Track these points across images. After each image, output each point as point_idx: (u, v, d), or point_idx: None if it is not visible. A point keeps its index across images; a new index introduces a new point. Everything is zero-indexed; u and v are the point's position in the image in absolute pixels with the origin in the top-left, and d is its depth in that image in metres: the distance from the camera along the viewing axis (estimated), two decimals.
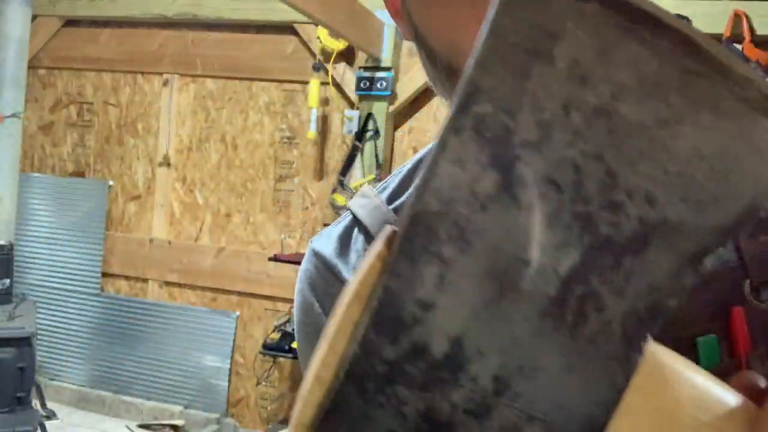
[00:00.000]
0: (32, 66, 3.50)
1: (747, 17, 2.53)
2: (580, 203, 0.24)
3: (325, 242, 0.55)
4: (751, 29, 2.54)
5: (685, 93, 0.23)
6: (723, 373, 0.44)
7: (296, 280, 0.57)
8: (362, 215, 0.54)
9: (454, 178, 0.23)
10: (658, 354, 0.25)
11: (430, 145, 0.57)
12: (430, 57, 0.45)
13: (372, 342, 0.24)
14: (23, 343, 2.66)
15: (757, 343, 0.45)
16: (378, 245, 0.25)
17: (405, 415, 0.24)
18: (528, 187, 0.23)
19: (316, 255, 0.55)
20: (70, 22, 3.74)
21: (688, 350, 0.45)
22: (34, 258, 3.64)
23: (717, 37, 2.53)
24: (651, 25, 0.23)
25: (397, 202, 0.53)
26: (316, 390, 0.24)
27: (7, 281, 2.87)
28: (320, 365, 0.25)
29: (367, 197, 0.55)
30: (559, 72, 0.23)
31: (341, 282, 0.53)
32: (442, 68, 0.44)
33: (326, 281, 0.54)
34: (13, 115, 2.87)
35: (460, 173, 0.23)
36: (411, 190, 0.54)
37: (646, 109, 0.23)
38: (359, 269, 0.25)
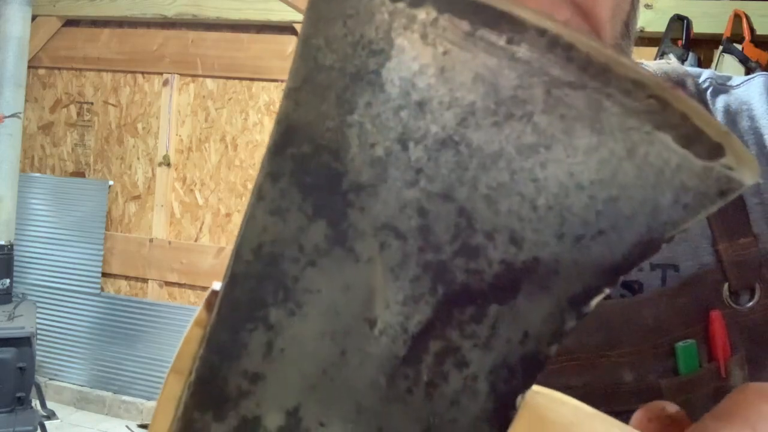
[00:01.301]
0: (32, 66, 3.50)
1: (747, 17, 2.53)
2: (429, 251, 0.20)
3: None
4: (751, 29, 2.53)
5: (555, 110, 0.19)
6: (702, 378, 0.44)
7: None
8: None
9: (275, 231, 0.20)
10: (536, 406, 0.22)
11: None
12: None
13: (195, 421, 0.21)
14: (23, 343, 2.66)
15: (737, 347, 0.45)
16: (198, 311, 0.22)
17: None
18: (365, 238, 0.20)
19: None
20: (70, 22, 3.74)
21: (667, 356, 0.45)
22: (34, 258, 3.64)
23: (717, 38, 2.53)
24: (506, 29, 0.19)
25: None
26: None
27: (7, 281, 2.87)
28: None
29: None
30: (390, 98, 0.19)
31: None
32: None
33: None
34: (13, 115, 2.87)
35: (281, 226, 0.20)
36: None
37: (504, 135, 0.19)
38: (182, 338, 0.23)
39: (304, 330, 0.21)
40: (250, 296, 0.21)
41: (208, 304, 0.22)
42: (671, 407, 0.25)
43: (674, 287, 0.46)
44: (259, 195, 0.20)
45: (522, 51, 0.19)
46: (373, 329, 0.21)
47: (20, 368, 2.64)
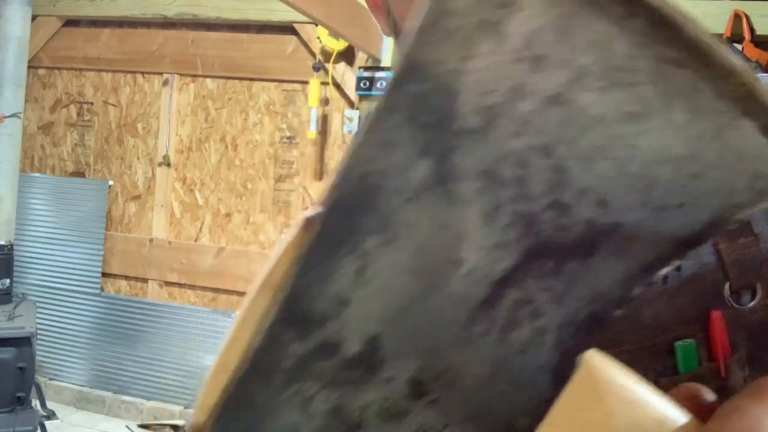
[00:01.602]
0: (32, 66, 3.50)
1: (747, 17, 2.53)
2: (523, 202, 0.21)
3: None
4: (751, 29, 2.53)
5: (659, 84, 0.20)
6: (702, 378, 0.44)
7: None
8: None
9: (383, 163, 0.20)
10: (593, 365, 0.23)
11: None
12: None
13: (279, 335, 0.22)
14: (23, 343, 2.66)
15: (737, 347, 0.45)
16: (294, 231, 0.22)
17: (312, 413, 0.22)
18: (465, 180, 0.21)
19: None
20: (70, 22, 3.74)
21: (667, 355, 0.45)
22: (34, 258, 3.64)
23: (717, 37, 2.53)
24: (625, 1, 0.19)
25: None
26: (220, 376, 0.23)
27: (7, 281, 2.87)
28: (226, 352, 0.23)
29: None
30: (510, 50, 0.20)
31: None
32: None
33: None
34: (13, 115, 2.87)
35: (389, 158, 0.20)
36: None
37: (610, 101, 0.20)
38: (272, 255, 0.23)
39: (395, 262, 0.21)
40: (350, 223, 0.21)
41: (307, 225, 0.22)
42: (708, 394, 0.25)
43: (675, 286, 0.46)
44: (371, 126, 0.21)
45: (637, 23, 0.19)
46: (460, 270, 0.21)
47: (20, 368, 2.64)
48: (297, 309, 0.22)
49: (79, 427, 3.30)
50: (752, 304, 0.45)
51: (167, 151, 3.59)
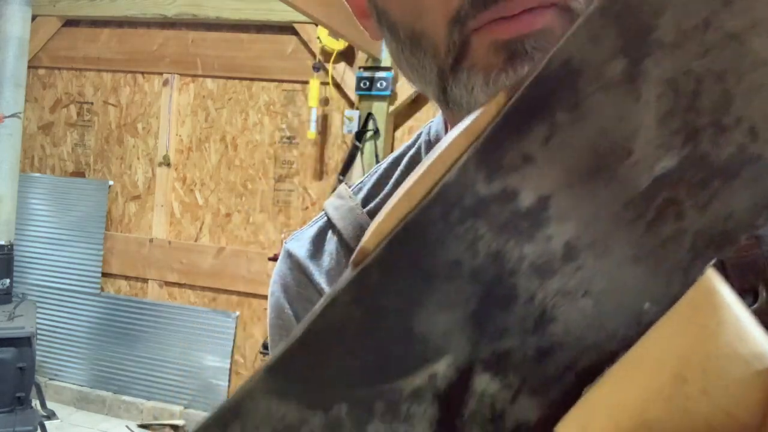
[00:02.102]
0: (32, 66, 3.51)
1: None
2: (692, 114, 0.25)
3: (299, 244, 0.55)
4: None
5: None
6: None
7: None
8: (335, 217, 0.53)
9: (587, 53, 0.24)
10: (715, 280, 0.26)
11: (406, 143, 0.56)
12: (393, 30, 0.42)
13: (469, 173, 0.24)
14: (23, 343, 2.66)
15: None
16: (500, 95, 0.25)
17: (476, 251, 0.24)
18: (650, 84, 0.24)
19: (290, 256, 0.55)
20: (70, 22, 3.74)
21: None
22: (34, 258, 3.64)
23: None
24: None
25: (372, 204, 0.53)
26: (403, 204, 0.24)
27: (7, 281, 2.87)
28: (414, 183, 0.25)
29: (342, 198, 0.55)
30: None
31: (313, 285, 0.53)
32: (406, 38, 0.41)
33: (299, 283, 0.54)
34: (13, 115, 2.87)
35: (592, 50, 0.24)
36: (388, 187, 0.53)
37: None
38: (475, 111, 0.26)
39: (578, 136, 0.24)
40: (547, 96, 0.24)
41: (509, 93, 0.24)
42: None
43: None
44: (585, 22, 0.24)
45: None
46: (629, 158, 0.24)
47: (20, 368, 2.64)
48: (490, 154, 0.24)
49: (79, 427, 3.30)
50: (754, 307, 0.44)
51: (167, 151, 3.60)
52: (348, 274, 0.24)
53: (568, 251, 0.25)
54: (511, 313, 0.25)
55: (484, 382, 0.25)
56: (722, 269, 0.44)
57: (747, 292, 0.44)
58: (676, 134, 0.25)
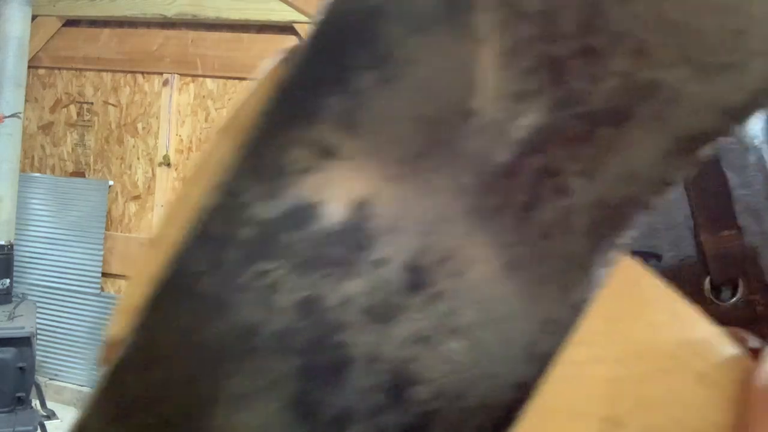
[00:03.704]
0: (32, 66, 3.50)
1: None
2: (548, 42, 0.17)
3: None
4: None
5: None
6: None
7: None
8: None
9: None
10: (633, 272, 0.19)
11: None
12: None
13: (239, 192, 0.17)
14: (23, 343, 2.66)
15: None
16: (270, 65, 0.19)
17: (277, 306, 0.17)
18: (482, 11, 0.17)
19: None
20: (70, 22, 3.74)
21: None
22: (34, 258, 3.64)
23: None
24: None
25: None
26: (153, 258, 0.18)
27: (7, 281, 2.87)
28: (164, 223, 0.18)
29: None
30: None
31: None
32: None
33: None
34: (13, 115, 2.87)
35: None
36: None
37: None
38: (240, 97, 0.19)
39: (393, 106, 0.17)
40: (340, 55, 0.17)
41: (287, 58, 0.18)
42: (754, 340, 0.23)
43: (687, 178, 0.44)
44: None
45: None
46: (472, 122, 0.17)
47: (20, 368, 2.64)
48: (266, 157, 0.17)
49: None
50: (733, 300, 0.44)
51: (167, 151, 3.59)
52: (97, 382, 0.17)
53: (412, 277, 0.17)
54: (349, 387, 0.17)
55: None
56: (702, 262, 0.43)
57: (726, 285, 0.43)
58: (532, 75, 0.17)
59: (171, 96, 3.59)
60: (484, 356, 0.18)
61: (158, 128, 3.62)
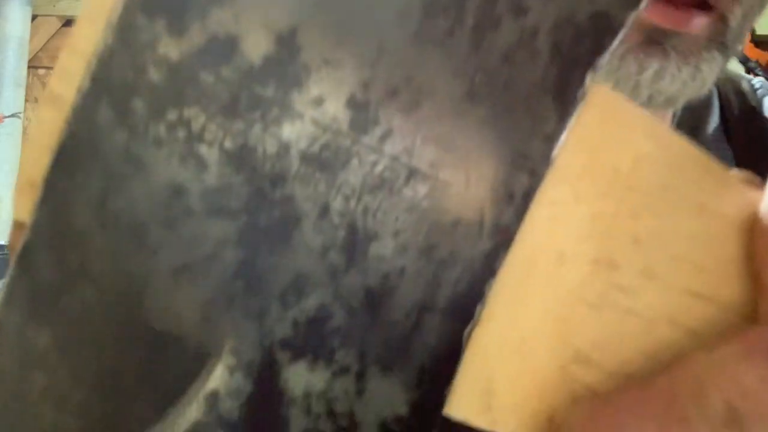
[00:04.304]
0: (32, 66, 3.50)
1: None
2: None
3: None
4: (751, 29, 2.54)
5: None
6: None
7: None
8: None
9: None
10: (607, 98, 0.17)
11: None
12: None
13: (139, 30, 0.14)
14: None
15: None
16: None
17: (202, 160, 0.15)
18: None
19: None
20: (70, 22, 3.74)
21: None
22: None
23: None
24: None
25: None
26: (48, 120, 0.15)
27: None
28: (58, 76, 0.16)
29: None
30: None
31: None
32: None
33: None
34: (13, 115, 2.87)
35: None
36: None
37: None
38: None
39: None
40: None
41: None
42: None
43: None
44: None
45: None
46: None
47: None
48: None
49: None
50: None
51: None
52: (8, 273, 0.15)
53: (357, 114, 0.15)
54: (300, 249, 0.15)
55: (300, 377, 0.15)
56: None
57: None
58: None
59: None
60: (451, 199, 0.16)
61: None
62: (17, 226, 0.16)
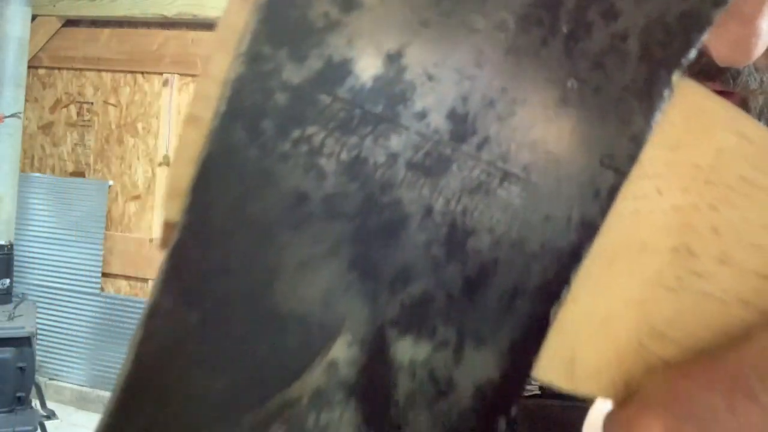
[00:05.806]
0: (32, 66, 3.50)
1: None
2: None
3: None
4: None
5: None
6: None
7: None
8: None
9: None
10: (694, 93, 0.17)
11: None
12: None
13: (264, 59, 0.16)
14: (23, 343, 2.66)
15: None
16: None
17: (322, 171, 0.17)
18: None
19: None
20: (70, 22, 3.74)
21: None
22: (34, 258, 3.64)
23: None
24: None
25: None
26: (190, 138, 0.17)
27: (7, 281, 2.87)
28: (195, 101, 0.18)
29: None
30: None
31: None
32: None
33: None
34: (13, 115, 2.87)
35: None
36: None
37: None
38: None
39: None
40: None
41: None
42: None
43: None
44: None
45: None
46: None
47: (20, 368, 2.64)
48: (286, 17, 0.16)
49: (79, 427, 3.30)
50: None
51: (167, 151, 3.59)
52: (161, 264, 0.18)
53: (457, 125, 0.16)
54: (406, 245, 0.17)
55: (407, 350, 0.18)
56: None
57: None
58: None
59: (171, 96, 3.59)
60: (542, 198, 0.17)
61: (158, 128, 3.62)
62: (167, 225, 0.18)
